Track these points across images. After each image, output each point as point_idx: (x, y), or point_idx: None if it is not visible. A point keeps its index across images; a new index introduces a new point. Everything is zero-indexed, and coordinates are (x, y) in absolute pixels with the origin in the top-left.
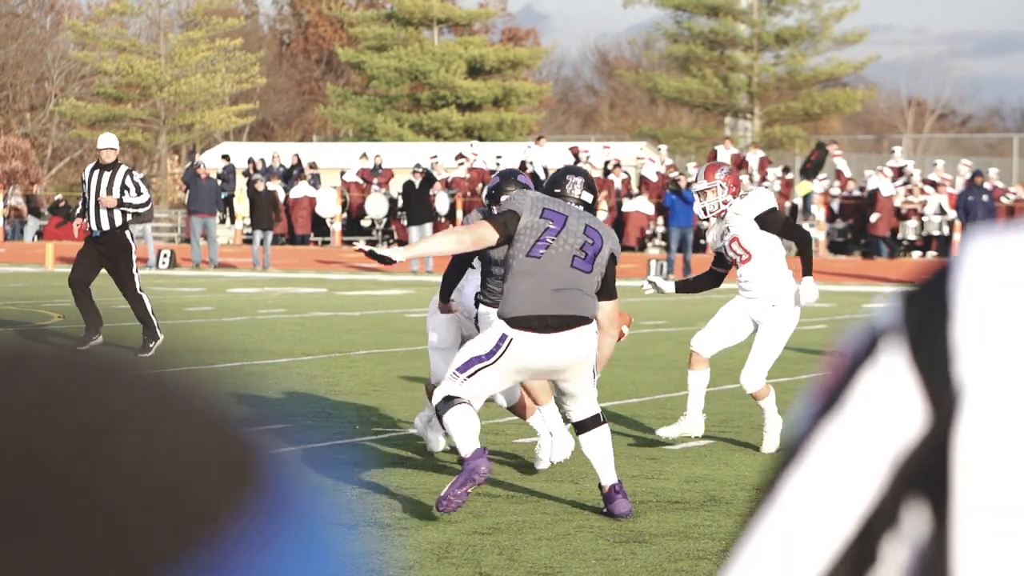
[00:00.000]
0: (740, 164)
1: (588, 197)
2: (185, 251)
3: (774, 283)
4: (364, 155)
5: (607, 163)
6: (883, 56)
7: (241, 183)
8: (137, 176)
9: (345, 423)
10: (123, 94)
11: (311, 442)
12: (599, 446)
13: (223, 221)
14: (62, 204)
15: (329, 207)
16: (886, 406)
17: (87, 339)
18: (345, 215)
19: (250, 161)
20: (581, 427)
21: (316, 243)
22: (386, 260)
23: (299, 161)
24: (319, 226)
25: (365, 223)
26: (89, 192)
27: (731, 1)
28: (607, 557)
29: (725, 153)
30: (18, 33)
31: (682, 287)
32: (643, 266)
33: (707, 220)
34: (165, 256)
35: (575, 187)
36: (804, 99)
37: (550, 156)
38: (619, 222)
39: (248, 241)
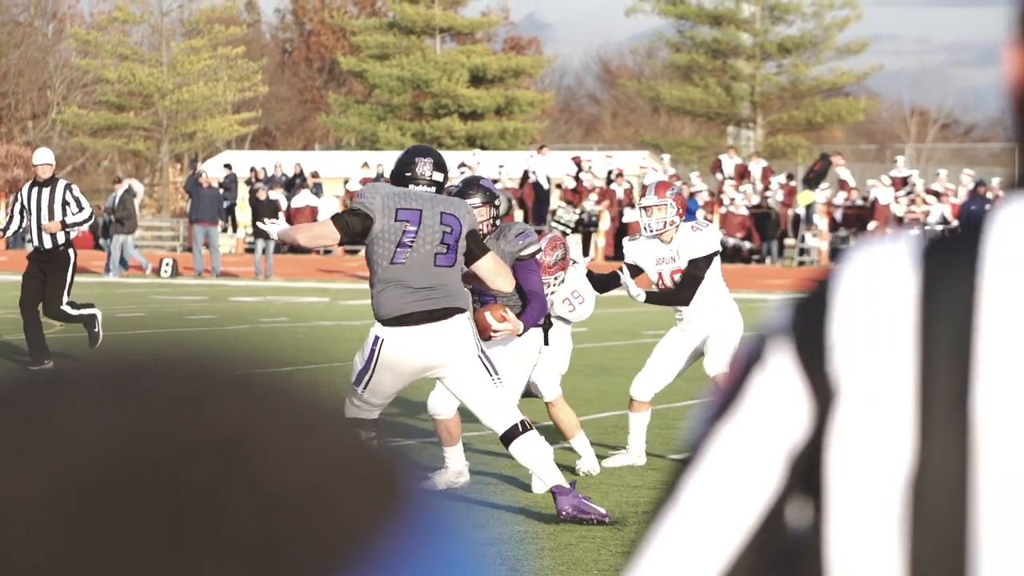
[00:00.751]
0: (743, 174)
1: (439, 177)
2: (187, 260)
3: (717, 313)
4: (366, 164)
5: (610, 172)
6: (886, 66)
7: (243, 192)
8: (76, 190)
9: None
10: (125, 102)
11: None
12: (529, 453)
13: (225, 230)
14: None
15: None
16: (774, 404)
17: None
18: None
19: (252, 170)
20: (506, 438)
21: (318, 252)
22: (263, 234)
23: (301, 170)
24: None
25: None
26: (30, 211)
27: (734, 10)
28: (610, 568)
29: (729, 162)
30: (20, 41)
31: (653, 298)
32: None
33: (644, 237)
34: (167, 265)
35: (425, 168)
36: (807, 108)
37: (552, 165)
38: (621, 231)
39: (250, 250)
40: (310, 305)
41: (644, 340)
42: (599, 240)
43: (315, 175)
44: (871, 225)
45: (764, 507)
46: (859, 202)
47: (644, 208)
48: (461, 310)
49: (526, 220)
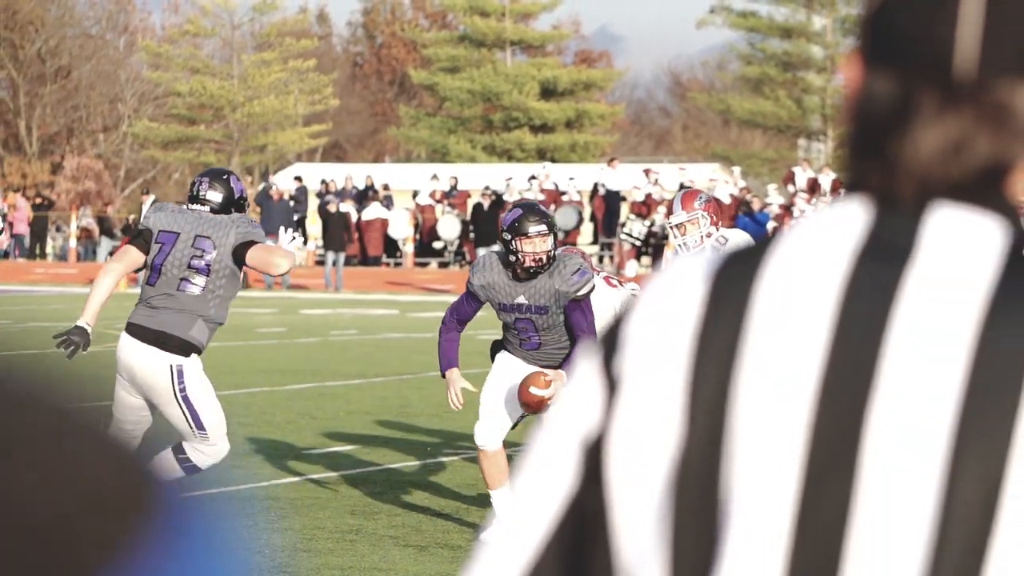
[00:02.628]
0: (813, 187)
1: (214, 196)
2: (257, 272)
3: None
4: (435, 176)
5: (681, 184)
6: None
7: (314, 204)
8: None
9: (416, 445)
10: (196, 115)
11: (382, 463)
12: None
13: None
14: (135, 225)
15: (401, 229)
16: (577, 404)
17: None
18: (417, 237)
19: (323, 182)
20: None
21: (388, 264)
22: (74, 337)
23: (372, 183)
24: (391, 247)
25: (437, 245)
26: None
27: (805, 23)
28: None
29: (802, 175)
30: (92, 54)
31: None
32: None
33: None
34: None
35: (201, 187)
36: None
37: (623, 178)
38: None
39: (320, 262)
40: (380, 317)
41: None
42: (670, 254)
43: (386, 187)
44: None
45: (564, 498)
46: None
47: (676, 227)
48: (176, 340)
49: (596, 233)
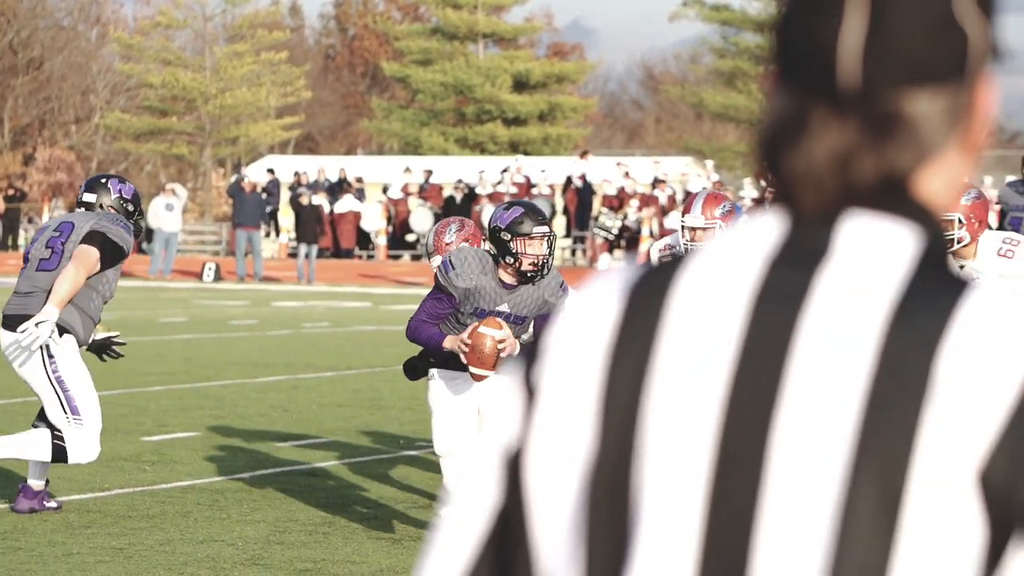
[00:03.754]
0: None
1: (88, 198)
2: (230, 264)
3: None
4: (408, 169)
5: (655, 178)
6: None
7: (286, 196)
8: None
9: (389, 437)
10: (168, 107)
11: (355, 456)
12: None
13: (268, 235)
14: None
15: (374, 221)
16: (500, 416)
17: None
18: (390, 229)
19: (296, 174)
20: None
21: (361, 257)
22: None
23: (345, 175)
24: (364, 240)
25: (410, 237)
26: None
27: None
28: None
29: None
30: (64, 45)
31: None
32: None
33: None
34: (210, 269)
35: (81, 192)
36: None
37: (595, 171)
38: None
39: (293, 255)
40: (352, 310)
41: None
42: (645, 247)
43: (359, 180)
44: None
45: (491, 509)
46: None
47: (689, 230)
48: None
49: (568, 226)
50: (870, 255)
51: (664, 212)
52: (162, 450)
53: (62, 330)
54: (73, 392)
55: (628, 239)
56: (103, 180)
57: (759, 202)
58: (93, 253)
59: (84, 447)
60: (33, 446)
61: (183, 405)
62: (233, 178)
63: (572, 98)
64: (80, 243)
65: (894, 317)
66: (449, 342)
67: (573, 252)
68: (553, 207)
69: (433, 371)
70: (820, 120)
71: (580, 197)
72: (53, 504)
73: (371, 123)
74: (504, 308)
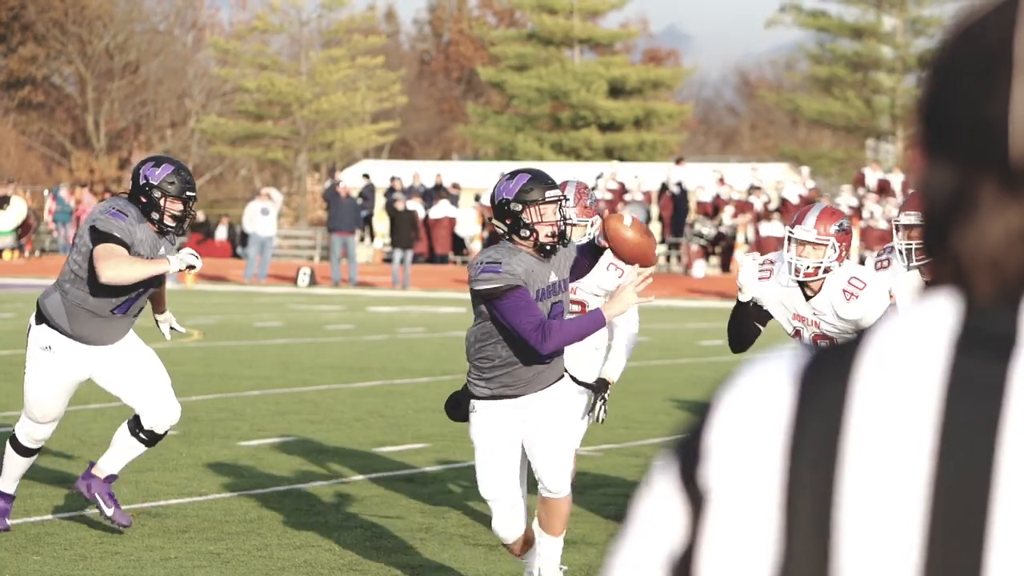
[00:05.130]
0: (883, 187)
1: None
2: (325, 269)
3: None
4: (503, 174)
5: (751, 185)
6: None
7: (381, 202)
8: None
9: None
10: (264, 112)
11: (451, 462)
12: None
13: (362, 239)
14: (202, 221)
15: (469, 226)
16: (658, 521)
17: None
18: (485, 234)
19: (393, 179)
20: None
21: (455, 262)
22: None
23: (441, 180)
24: (458, 245)
25: None
26: None
27: (875, 23)
28: None
29: (872, 175)
30: (160, 50)
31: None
32: None
33: (779, 276)
34: (305, 274)
35: None
36: None
37: (690, 177)
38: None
39: (388, 260)
40: (447, 315)
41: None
42: (740, 254)
43: (456, 187)
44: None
45: None
46: None
47: (798, 243)
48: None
49: (663, 232)
50: None
51: (759, 219)
52: (259, 455)
53: (41, 318)
54: (27, 380)
55: (723, 246)
56: (138, 165)
57: (857, 211)
58: (100, 251)
59: (19, 432)
60: (120, 449)
61: (279, 410)
62: (328, 183)
63: (667, 104)
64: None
65: None
66: (609, 303)
67: (668, 259)
68: (648, 213)
69: (475, 403)
70: (993, 197)
71: (675, 203)
72: (110, 511)
73: (466, 128)
74: (554, 277)
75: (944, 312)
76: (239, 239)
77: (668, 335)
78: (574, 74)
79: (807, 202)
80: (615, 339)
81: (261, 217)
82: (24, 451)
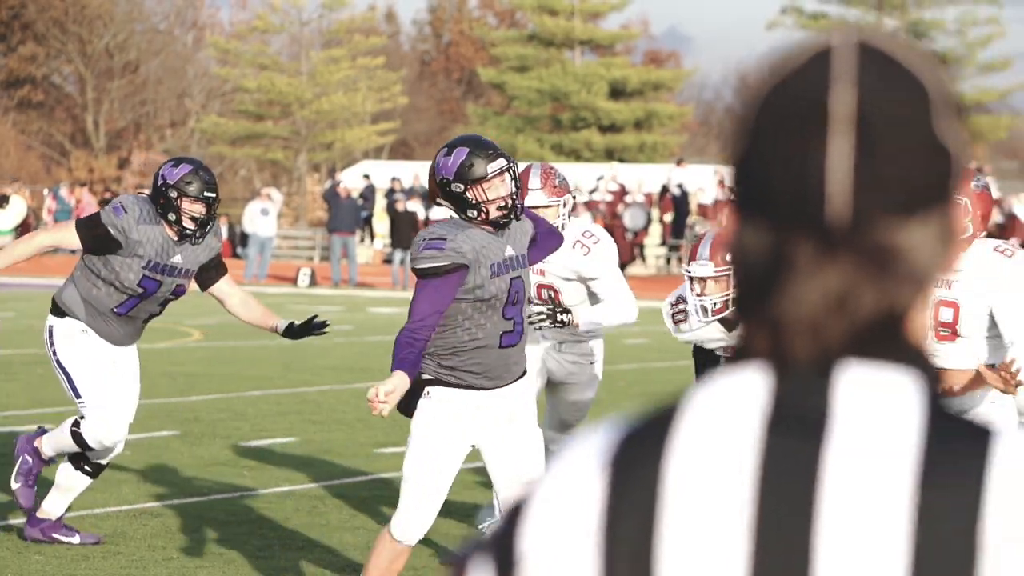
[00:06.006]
0: None
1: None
2: (325, 270)
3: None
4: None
5: None
6: None
7: (381, 202)
8: None
9: None
10: (264, 112)
11: None
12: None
13: (363, 240)
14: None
15: None
16: None
17: None
18: None
19: (393, 179)
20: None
21: None
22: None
23: None
24: None
25: None
26: None
27: (875, 26)
28: None
29: None
30: (160, 49)
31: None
32: None
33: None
34: (305, 274)
35: None
36: None
37: (691, 178)
38: None
39: (388, 261)
40: None
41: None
42: None
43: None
44: (1012, 241)
45: None
46: (999, 220)
47: (698, 279)
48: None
49: (664, 234)
50: (878, 412)
51: None
52: (261, 455)
53: (62, 312)
54: (73, 374)
55: None
56: (160, 165)
57: None
58: (70, 224)
59: (93, 429)
60: (59, 438)
61: (281, 410)
62: (329, 183)
63: (668, 106)
64: None
65: (922, 482)
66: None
67: (668, 260)
68: (649, 215)
69: (428, 389)
70: (809, 259)
71: (676, 205)
72: (75, 539)
73: (466, 129)
74: (510, 251)
75: (757, 386)
76: (239, 239)
77: (668, 337)
78: (575, 75)
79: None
80: (609, 308)
81: (261, 217)
82: (89, 467)
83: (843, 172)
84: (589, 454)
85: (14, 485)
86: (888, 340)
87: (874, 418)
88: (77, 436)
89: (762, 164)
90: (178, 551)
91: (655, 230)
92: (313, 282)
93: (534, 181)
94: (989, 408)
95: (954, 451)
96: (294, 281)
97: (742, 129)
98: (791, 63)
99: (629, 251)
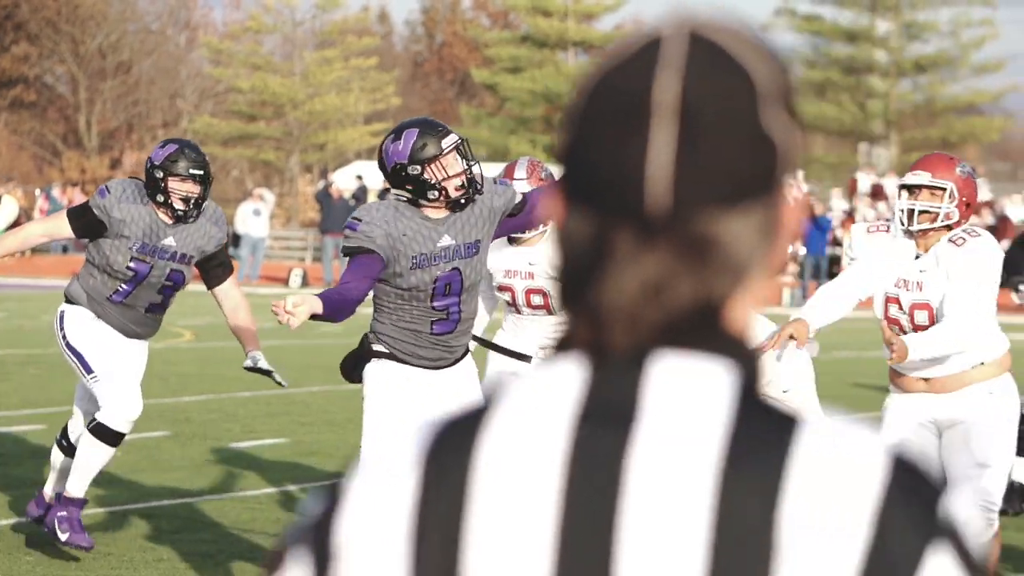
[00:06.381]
0: (876, 192)
1: None
2: (317, 270)
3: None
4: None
5: None
6: (1022, 85)
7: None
8: None
9: None
10: (256, 112)
11: None
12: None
13: None
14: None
15: None
16: None
17: None
18: None
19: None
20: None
21: None
22: None
23: None
24: None
25: None
26: None
27: (869, 28)
28: None
29: (866, 179)
30: (152, 49)
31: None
32: (775, 292)
33: (893, 229)
34: (297, 275)
35: None
36: (941, 127)
37: None
38: None
39: None
40: None
41: None
42: None
43: None
44: (1002, 244)
45: None
46: (990, 221)
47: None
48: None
49: None
50: (687, 401)
51: None
52: (251, 456)
53: (68, 300)
54: (81, 350)
55: None
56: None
57: (849, 214)
58: (61, 213)
59: (113, 405)
60: (82, 464)
61: (271, 411)
62: (321, 184)
63: None
64: None
65: (725, 469)
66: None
67: None
68: None
69: (375, 360)
70: (628, 247)
71: None
72: (65, 536)
73: (459, 130)
74: (447, 241)
75: (571, 378)
76: (231, 240)
77: None
78: (568, 76)
79: (799, 207)
80: None
81: (253, 218)
82: (110, 436)
83: (664, 161)
84: (406, 449)
85: (63, 537)
86: (704, 330)
87: (682, 407)
88: (100, 430)
89: (587, 153)
90: (168, 552)
91: None
92: (305, 282)
93: (520, 172)
94: (986, 399)
95: (758, 439)
96: (286, 282)
97: (571, 118)
98: (622, 53)
99: None
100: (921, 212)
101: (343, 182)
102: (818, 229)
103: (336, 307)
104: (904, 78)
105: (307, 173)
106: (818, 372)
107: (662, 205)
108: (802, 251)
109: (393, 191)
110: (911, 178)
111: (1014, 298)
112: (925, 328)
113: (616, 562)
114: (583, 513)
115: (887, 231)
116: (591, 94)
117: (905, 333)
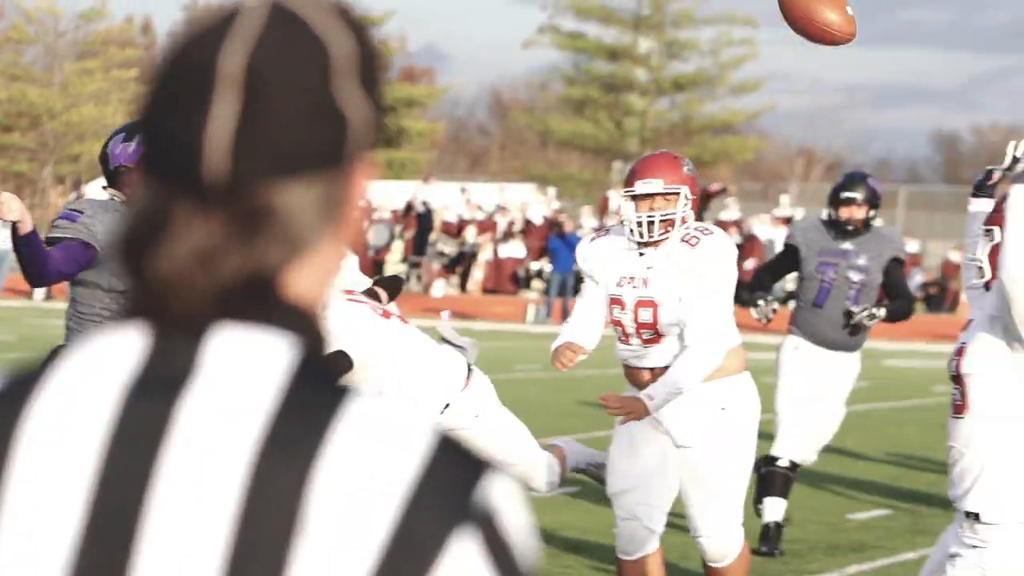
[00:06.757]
0: None
1: None
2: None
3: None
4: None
5: (497, 205)
6: (780, 105)
7: None
8: None
9: None
10: (12, 123)
11: None
12: None
13: None
14: None
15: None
16: None
17: None
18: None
19: None
20: None
21: None
22: None
23: None
24: None
25: None
26: None
27: (631, 46)
28: None
29: (617, 198)
30: None
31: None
32: (520, 309)
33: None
34: (42, 289)
35: None
36: (696, 146)
37: (437, 195)
38: (500, 266)
39: None
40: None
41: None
42: (477, 272)
43: None
44: (748, 262)
45: None
46: (738, 240)
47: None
48: None
49: (405, 251)
50: (239, 373)
51: (504, 239)
52: None
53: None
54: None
55: (464, 266)
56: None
57: (597, 231)
58: None
59: None
60: None
61: None
62: (73, 196)
63: (419, 122)
64: None
65: (267, 437)
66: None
67: (408, 278)
68: (392, 232)
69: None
70: (184, 216)
71: (420, 222)
72: None
73: None
74: None
75: (131, 345)
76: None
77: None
78: None
79: (551, 223)
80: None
81: (3, 231)
82: None
83: (223, 131)
84: None
85: None
86: (259, 302)
87: (233, 378)
88: None
89: (156, 123)
90: None
91: (397, 246)
92: (49, 295)
93: None
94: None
95: (307, 410)
96: (29, 295)
97: (146, 88)
98: (200, 24)
99: (371, 268)
100: (661, 221)
101: (95, 194)
102: (567, 246)
103: (41, 260)
104: (663, 96)
105: (59, 184)
106: (552, 390)
107: (219, 174)
108: (548, 268)
109: (111, 191)
110: (643, 187)
111: (753, 314)
112: (649, 326)
113: (140, 534)
114: (115, 484)
115: (606, 234)
116: (166, 65)
117: (628, 337)
